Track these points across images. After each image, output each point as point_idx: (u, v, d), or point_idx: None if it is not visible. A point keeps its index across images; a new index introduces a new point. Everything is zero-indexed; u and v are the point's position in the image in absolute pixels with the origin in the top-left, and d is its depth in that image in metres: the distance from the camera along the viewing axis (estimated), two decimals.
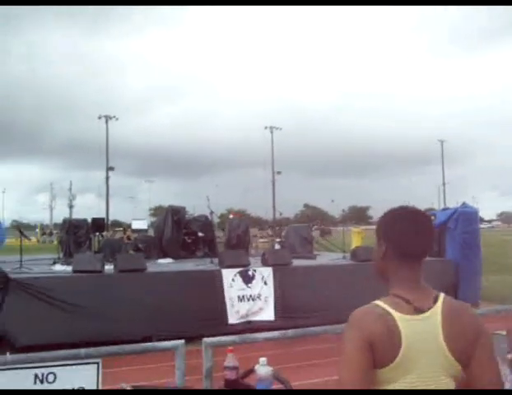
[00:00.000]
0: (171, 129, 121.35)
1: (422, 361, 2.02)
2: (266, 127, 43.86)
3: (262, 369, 3.14)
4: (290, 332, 3.87)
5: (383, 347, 2.00)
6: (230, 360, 3.31)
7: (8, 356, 3.30)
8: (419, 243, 2.15)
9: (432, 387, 2.01)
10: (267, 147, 45.54)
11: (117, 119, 38.95)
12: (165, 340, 3.79)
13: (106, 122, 38.46)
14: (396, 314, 2.04)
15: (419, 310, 2.06)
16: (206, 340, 3.50)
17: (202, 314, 10.87)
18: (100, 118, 38.52)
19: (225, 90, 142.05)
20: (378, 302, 2.11)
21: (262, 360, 3.16)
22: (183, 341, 3.47)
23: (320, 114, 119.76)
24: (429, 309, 2.08)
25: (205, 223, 17.11)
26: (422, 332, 2.04)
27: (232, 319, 11.24)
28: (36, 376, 3.32)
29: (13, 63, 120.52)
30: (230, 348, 3.35)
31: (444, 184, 52.49)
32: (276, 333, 3.91)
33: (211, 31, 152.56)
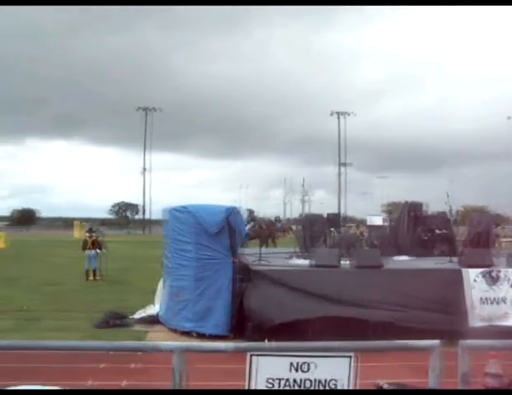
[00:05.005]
0: (405, 121, 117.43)
1: None
2: (509, 118, 40.74)
3: None
4: None
5: None
6: (493, 366, 3.06)
7: (266, 343, 3.42)
8: None
9: None
10: (509, 137, 42.11)
11: (355, 115, 39.23)
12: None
13: (338, 118, 39.05)
14: None
15: None
16: (463, 342, 3.28)
17: (441, 314, 10.49)
18: (331, 114, 39.07)
19: (462, 76, 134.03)
20: None
21: None
22: (438, 341, 3.29)
23: None
24: None
25: (443, 220, 16.39)
26: None
27: (473, 322, 10.63)
28: (291, 364, 3.41)
29: (243, 63, 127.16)
30: (493, 353, 3.09)
31: None
32: None
33: (443, 14, 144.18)
